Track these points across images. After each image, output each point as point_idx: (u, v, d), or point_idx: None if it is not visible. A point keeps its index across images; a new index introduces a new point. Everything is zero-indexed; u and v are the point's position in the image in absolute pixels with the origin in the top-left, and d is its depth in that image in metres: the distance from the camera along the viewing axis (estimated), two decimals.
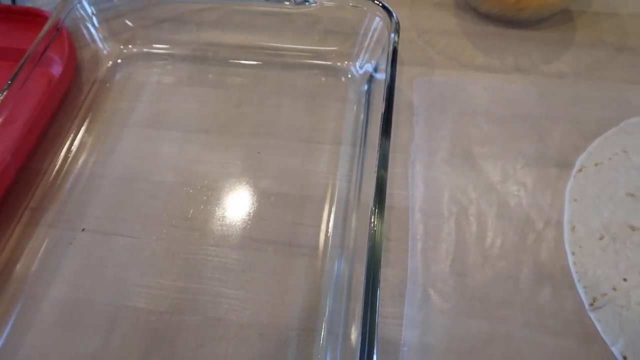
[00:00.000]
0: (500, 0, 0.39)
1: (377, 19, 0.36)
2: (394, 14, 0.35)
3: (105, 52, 0.39)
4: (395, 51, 0.33)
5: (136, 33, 0.40)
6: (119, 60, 0.40)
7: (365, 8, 0.36)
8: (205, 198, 0.32)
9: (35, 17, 0.41)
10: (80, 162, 0.34)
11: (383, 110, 0.29)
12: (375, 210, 0.26)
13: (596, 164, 0.33)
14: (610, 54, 0.40)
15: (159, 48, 0.40)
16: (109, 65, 0.39)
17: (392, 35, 0.34)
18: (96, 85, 0.38)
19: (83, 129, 0.36)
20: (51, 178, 0.33)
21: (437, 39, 0.41)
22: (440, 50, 0.40)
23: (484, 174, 0.33)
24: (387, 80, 0.31)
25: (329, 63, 0.39)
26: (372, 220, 0.25)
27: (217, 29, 0.41)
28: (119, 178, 0.33)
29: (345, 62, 0.38)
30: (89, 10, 0.38)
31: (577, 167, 0.33)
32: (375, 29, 0.36)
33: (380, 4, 0.35)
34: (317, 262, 0.30)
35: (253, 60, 0.40)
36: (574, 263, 0.29)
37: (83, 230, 0.31)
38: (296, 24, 0.40)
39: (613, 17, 0.42)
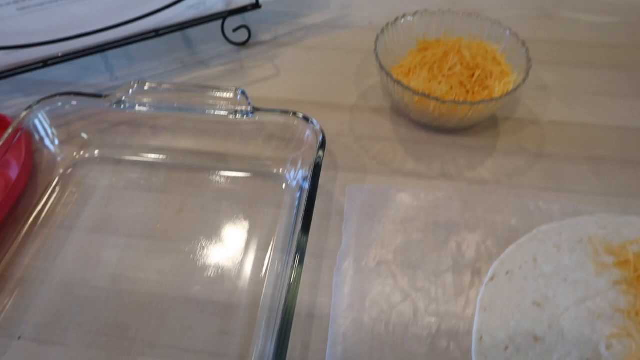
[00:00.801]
0: (425, 112, 0.43)
1: (308, 131, 0.39)
2: (321, 132, 0.38)
3: (59, 158, 0.42)
4: (318, 167, 0.36)
5: (92, 138, 0.43)
6: (73, 165, 0.42)
7: (296, 122, 0.39)
8: (138, 306, 0.34)
9: None
10: (24, 267, 0.36)
11: (300, 220, 0.32)
12: (284, 319, 0.28)
13: (507, 272, 0.36)
14: (529, 161, 0.43)
15: (113, 152, 0.43)
16: (62, 170, 0.42)
17: (318, 151, 0.37)
18: (49, 189, 0.41)
19: (32, 233, 0.38)
20: None
21: (372, 145, 0.45)
22: (374, 156, 0.44)
23: (404, 281, 0.36)
24: (308, 192, 0.34)
25: (268, 170, 0.42)
26: (280, 328, 0.27)
27: (169, 133, 0.45)
28: (59, 284, 0.35)
29: (282, 170, 0.41)
30: (44, 119, 0.41)
31: (489, 275, 0.36)
32: (307, 141, 0.39)
33: (311, 122, 0.39)
34: None
35: (199, 166, 0.43)
36: None
37: (19, 338, 0.33)
38: (243, 129, 0.43)
39: (534, 124, 0.46)
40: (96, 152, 0.43)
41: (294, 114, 0.39)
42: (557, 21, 0.58)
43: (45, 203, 0.40)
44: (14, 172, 0.40)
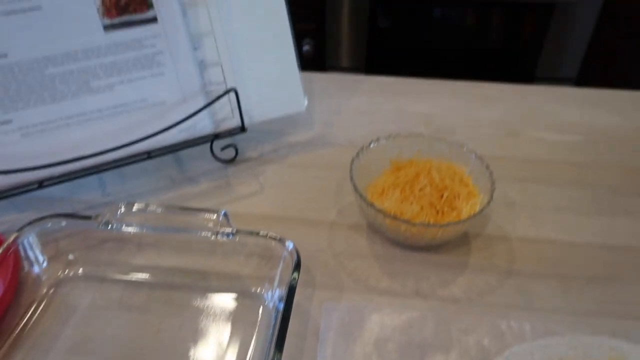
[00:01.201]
0: (397, 232, 0.45)
1: (285, 254, 0.41)
2: (296, 254, 0.40)
3: (44, 277, 0.44)
4: (292, 290, 0.37)
5: (78, 256, 0.45)
6: (57, 284, 0.44)
7: (273, 244, 0.41)
8: None
9: None
10: None
11: (273, 349, 0.33)
12: None
13: None
14: (500, 279, 0.45)
15: (97, 270, 0.45)
16: (46, 288, 0.43)
17: (292, 273, 0.38)
18: (32, 308, 0.42)
19: (10, 354, 0.38)
20: None
21: (349, 262, 0.46)
22: (351, 273, 0.45)
23: None
24: (282, 314, 0.35)
25: (247, 289, 0.43)
26: None
27: (154, 250, 0.46)
28: None
29: (260, 289, 0.43)
30: (34, 240, 0.43)
31: None
32: (284, 262, 0.41)
33: (287, 245, 0.41)
34: None
35: (180, 284, 0.44)
36: None
37: None
38: (225, 248, 0.45)
39: (504, 241, 0.48)
40: (80, 270, 0.45)
41: (271, 236, 0.41)
42: (523, 139, 0.62)
43: (27, 323, 0.41)
44: None
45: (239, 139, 0.59)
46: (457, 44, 1.39)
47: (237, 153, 0.58)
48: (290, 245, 0.41)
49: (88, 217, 0.43)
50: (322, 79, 0.74)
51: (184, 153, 0.59)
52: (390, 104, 0.68)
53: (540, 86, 0.74)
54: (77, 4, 0.48)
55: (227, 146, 0.57)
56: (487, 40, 1.38)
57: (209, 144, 0.56)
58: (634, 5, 1.27)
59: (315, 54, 1.44)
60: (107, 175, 0.56)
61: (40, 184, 0.49)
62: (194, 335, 0.40)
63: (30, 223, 0.43)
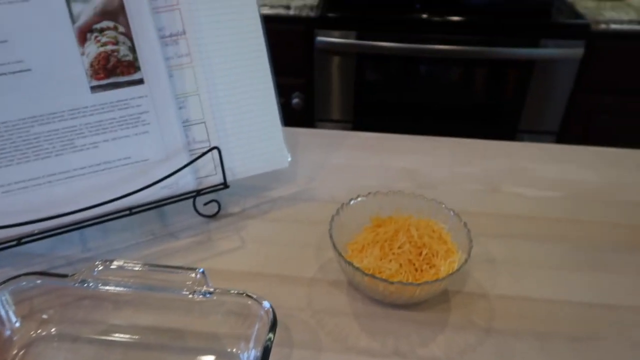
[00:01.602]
0: (376, 290, 0.45)
1: (262, 312, 0.41)
2: (272, 314, 0.39)
3: (16, 337, 0.43)
4: (267, 350, 0.37)
5: (52, 315, 0.44)
6: (29, 344, 0.43)
7: (249, 303, 0.41)
8: None
9: None
10: None
11: None
12: None
13: None
14: (480, 337, 0.44)
15: (71, 329, 0.44)
16: (17, 350, 0.42)
17: (268, 334, 0.38)
18: None
19: None
20: None
21: (328, 320, 0.46)
22: (330, 331, 0.45)
23: None
24: None
25: (224, 349, 0.42)
26: None
27: (131, 307, 0.46)
28: None
29: (236, 350, 0.42)
30: (8, 300, 0.42)
31: None
32: (260, 321, 0.41)
33: (263, 304, 0.40)
34: None
35: (156, 344, 0.43)
36: None
37: None
38: (202, 306, 0.45)
39: (483, 298, 0.48)
40: (54, 329, 0.44)
41: (247, 295, 0.41)
42: (504, 195, 0.63)
43: None
44: None
45: (222, 194, 0.60)
46: (442, 99, 1.43)
47: (219, 208, 0.58)
48: (266, 304, 0.40)
49: (64, 276, 0.43)
50: (308, 134, 0.76)
51: (167, 208, 0.59)
52: (374, 160, 0.70)
53: (521, 143, 0.76)
54: (66, 67, 0.50)
55: (210, 201, 0.58)
56: (471, 96, 1.43)
57: (191, 200, 0.57)
58: (611, 63, 1.33)
59: (304, 107, 1.47)
60: (88, 231, 0.56)
61: (19, 240, 0.48)
62: None
63: (3, 282, 0.42)
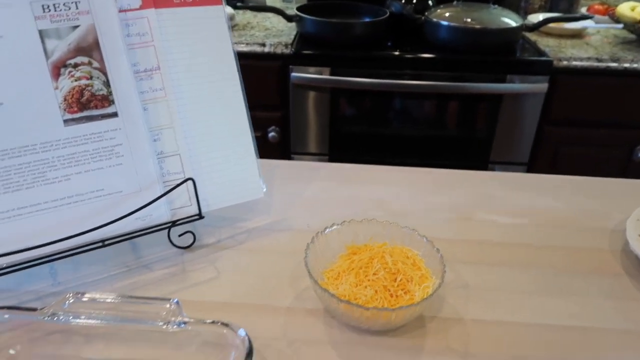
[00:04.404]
0: (351, 317, 0.45)
1: (237, 341, 0.40)
2: (247, 343, 0.39)
3: None
4: None
5: (20, 351, 0.43)
6: None
7: (225, 331, 0.41)
8: None
9: None
10: None
11: None
12: None
13: None
14: None
15: None
16: None
17: None
18: None
19: None
20: None
21: (305, 349, 0.46)
22: None
23: None
24: None
25: None
26: None
27: (103, 341, 0.45)
28: None
29: None
30: None
31: None
32: (239, 349, 0.40)
33: (239, 333, 0.40)
34: None
35: None
36: None
37: None
38: (177, 337, 0.44)
39: (459, 323, 0.49)
40: None
41: (223, 324, 0.41)
42: (475, 223, 0.65)
43: None
44: None
45: (196, 224, 0.59)
46: (415, 132, 1.47)
47: (194, 239, 0.58)
48: (241, 332, 0.40)
49: (33, 309, 0.42)
50: (284, 166, 0.77)
51: (140, 240, 0.59)
52: (348, 190, 0.71)
53: (490, 172, 0.78)
54: (39, 101, 0.50)
55: (185, 232, 0.58)
56: (443, 128, 1.47)
57: (166, 231, 0.57)
58: (573, 96, 1.39)
59: (280, 140, 1.49)
60: (58, 264, 0.55)
61: None
62: None
63: None
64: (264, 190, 0.61)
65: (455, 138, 1.48)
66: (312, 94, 1.43)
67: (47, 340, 0.44)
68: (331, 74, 1.40)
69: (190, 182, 0.55)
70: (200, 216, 0.56)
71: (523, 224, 0.65)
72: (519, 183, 0.74)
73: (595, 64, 1.34)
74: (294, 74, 1.40)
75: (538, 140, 1.45)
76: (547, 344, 0.47)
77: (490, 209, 0.67)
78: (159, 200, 0.54)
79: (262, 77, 1.41)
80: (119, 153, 0.53)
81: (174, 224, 0.55)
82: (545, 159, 1.46)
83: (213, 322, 0.41)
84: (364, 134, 1.49)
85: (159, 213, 0.55)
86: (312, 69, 1.40)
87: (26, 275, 0.53)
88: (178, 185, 0.54)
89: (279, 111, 1.47)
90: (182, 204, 0.56)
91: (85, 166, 0.52)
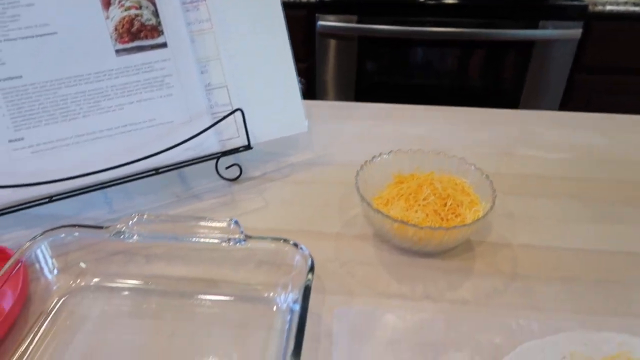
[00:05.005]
0: (404, 237, 0.46)
1: (297, 257, 0.42)
2: (309, 257, 0.41)
3: (55, 286, 0.44)
4: (308, 289, 0.38)
5: (87, 268, 0.45)
6: (68, 294, 0.44)
7: (286, 249, 0.42)
8: None
9: None
10: None
11: (292, 341, 0.33)
12: None
13: None
14: (505, 282, 0.46)
15: (107, 281, 0.45)
16: (57, 299, 0.43)
17: (307, 274, 0.39)
18: (42, 317, 0.41)
19: None
20: None
21: (357, 269, 0.47)
22: (360, 280, 0.46)
23: None
24: (299, 315, 0.35)
25: (259, 294, 0.43)
26: None
27: (162, 261, 0.47)
28: None
29: (272, 294, 0.43)
30: (46, 250, 0.43)
31: None
32: (296, 266, 0.42)
33: (299, 247, 0.41)
34: None
35: (191, 292, 0.44)
36: None
37: None
38: (234, 257, 0.46)
39: (506, 248, 0.50)
40: (90, 280, 0.45)
41: (284, 240, 0.42)
42: (516, 158, 0.65)
43: (37, 331, 0.40)
44: (7, 303, 0.41)
45: (242, 159, 0.60)
46: (442, 81, 1.45)
47: (241, 171, 0.59)
48: (304, 248, 0.41)
49: (100, 227, 0.44)
50: (320, 106, 0.77)
51: (188, 172, 0.60)
52: (387, 128, 0.71)
53: (529, 110, 0.77)
54: (91, 31, 0.50)
55: (232, 165, 0.59)
56: (471, 77, 1.45)
57: (214, 164, 0.58)
58: (608, 43, 1.35)
59: (306, 92, 1.48)
60: (113, 193, 0.57)
61: (51, 198, 0.49)
62: (208, 340, 0.40)
63: (42, 233, 0.43)
64: (307, 125, 0.61)
65: (482, 87, 1.46)
66: (338, 43, 1.42)
67: (110, 260, 0.46)
68: (358, 22, 1.38)
69: (238, 112, 0.56)
70: (249, 146, 0.57)
71: (564, 158, 0.64)
72: (558, 120, 0.73)
73: (632, 8, 1.30)
74: (320, 23, 1.38)
75: (569, 89, 1.42)
76: (594, 268, 0.48)
77: (531, 145, 0.67)
78: (208, 131, 0.55)
79: (287, 27, 1.39)
80: (169, 84, 0.54)
81: (223, 154, 0.56)
82: (576, 108, 1.44)
83: (275, 239, 0.43)
84: (390, 84, 1.47)
85: (209, 143, 0.56)
86: (338, 17, 1.37)
87: (84, 203, 0.55)
88: (228, 115, 0.55)
89: (305, 62, 1.46)
90: (230, 135, 0.57)
91: (137, 96, 0.53)
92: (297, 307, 0.39)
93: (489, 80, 1.45)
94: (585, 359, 0.38)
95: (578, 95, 1.42)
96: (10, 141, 0.49)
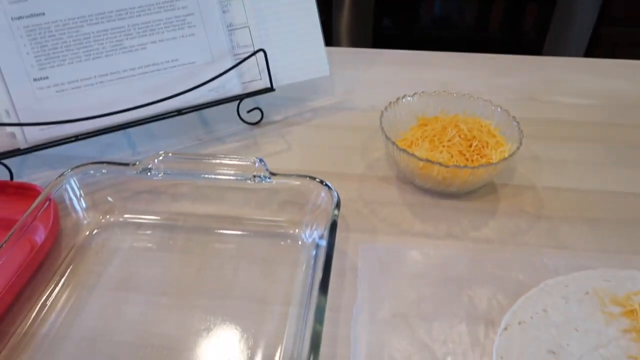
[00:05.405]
0: (429, 177, 0.46)
1: (323, 194, 0.42)
2: (335, 193, 0.41)
3: (85, 221, 0.44)
4: (334, 224, 0.38)
5: (115, 204, 0.46)
6: (97, 229, 0.45)
7: (311, 186, 0.42)
8: (160, 358, 0.34)
9: (28, 191, 0.47)
10: (47, 324, 0.37)
11: (321, 276, 0.34)
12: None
13: (519, 323, 0.37)
14: (530, 222, 0.46)
15: (135, 217, 0.46)
16: (87, 233, 0.44)
17: (333, 210, 0.39)
18: (74, 251, 0.43)
19: (55, 292, 0.39)
20: (17, 340, 0.36)
21: (381, 209, 0.47)
22: (383, 219, 0.46)
23: (419, 333, 0.36)
24: (326, 248, 0.36)
25: (284, 231, 0.44)
26: None
27: (188, 200, 0.47)
28: (81, 339, 0.36)
29: (297, 230, 0.44)
30: (75, 186, 0.44)
31: (502, 325, 0.37)
32: (321, 203, 0.42)
33: (325, 184, 0.42)
34: None
35: (218, 228, 0.45)
36: None
37: None
38: (258, 196, 0.46)
39: (531, 190, 0.49)
40: (120, 217, 0.46)
41: (310, 177, 0.42)
42: (541, 103, 0.64)
43: (69, 263, 0.41)
44: (40, 237, 0.42)
45: (263, 104, 0.60)
46: (462, 32, 1.41)
47: (262, 115, 0.59)
48: (330, 185, 0.42)
49: (127, 164, 0.44)
50: (340, 52, 0.76)
51: (210, 116, 0.60)
52: (410, 74, 0.70)
53: (553, 57, 0.75)
54: None
55: (253, 109, 0.59)
56: (492, 28, 1.40)
57: (235, 108, 0.58)
58: None
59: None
60: (136, 136, 0.57)
61: (77, 137, 0.49)
62: (234, 273, 0.41)
63: (72, 169, 0.44)
64: (329, 69, 0.60)
65: (502, 41, 1.42)
66: None
67: (138, 198, 0.47)
68: None
69: (261, 54, 0.55)
70: (271, 88, 0.56)
71: (590, 104, 0.63)
72: (583, 67, 0.72)
73: None
74: None
75: (593, 42, 1.38)
76: (618, 209, 0.47)
77: (555, 91, 0.66)
78: (230, 73, 0.54)
79: None
80: (190, 23, 0.53)
81: (246, 96, 0.56)
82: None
83: (300, 176, 0.43)
84: (408, 37, 1.44)
85: (231, 85, 0.55)
86: None
87: (108, 146, 0.55)
88: (250, 55, 0.54)
89: (321, 15, 1.42)
90: (252, 77, 0.57)
91: (159, 35, 0.52)
92: (323, 243, 0.39)
93: (509, 32, 1.40)
94: (608, 295, 0.38)
95: (602, 49, 1.38)
96: (35, 80, 0.49)
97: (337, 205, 0.40)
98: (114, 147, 0.56)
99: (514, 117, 0.50)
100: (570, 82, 0.68)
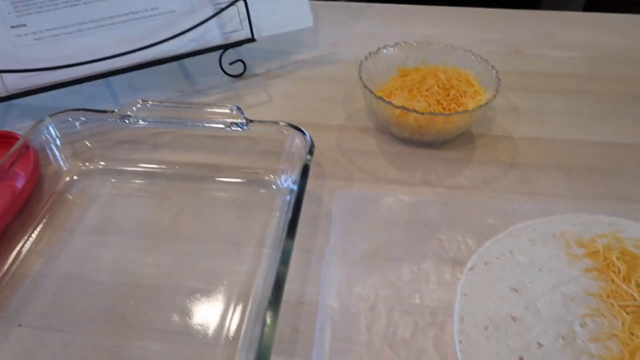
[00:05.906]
0: (405, 125, 0.46)
1: (297, 140, 0.42)
2: (309, 137, 0.41)
3: (65, 168, 0.45)
4: (306, 168, 0.39)
5: (96, 152, 0.47)
6: (77, 176, 0.45)
7: (286, 132, 0.43)
8: (135, 296, 0.36)
9: (10, 140, 0.47)
10: (28, 265, 0.38)
11: (289, 217, 0.35)
12: (272, 302, 0.30)
13: (486, 263, 0.38)
14: (504, 170, 0.46)
15: (115, 164, 0.46)
16: (67, 179, 0.45)
17: (307, 155, 0.40)
18: (54, 196, 0.43)
19: (35, 235, 0.40)
20: None
21: (358, 158, 0.48)
22: (360, 167, 0.47)
23: (389, 273, 0.38)
24: (297, 191, 0.37)
25: (261, 178, 0.45)
26: (266, 312, 0.29)
27: (169, 149, 0.48)
28: (60, 278, 0.37)
29: (273, 177, 0.44)
30: (54, 133, 0.44)
31: (469, 266, 0.38)
32: (296, 150, 0.43)
33: (299, 129, 0.42)
34: (231, 352, 0.33)
35: (196, 175, 0.45)
36: (461, 350, 0.32)
37: (20, 325, 0.34)
38: (237, 146, 0.47)
39: (507, 140, 0.50)
40: (100, 164, 0.46)
41: (285, 124, 0.43)
42: (525, 56, 0.63)
43: (50, 208, 0.42)
44: (20, 182, 0.43)
45: (246, 56, 0.60)
46: None
47: (245, 68, 0.59)
48: (303, 130, 0.42)
49: (105, 112, 0.45)
50: (327, 6, 0.75)
51: (193, 69, 0.60)
52: (395, 28, 0.69)
53: (545, 11, 0.74)
54: None
55: (236, 61, 0.58)
56: None
57: (217, 61, 0.57)
58: None
59: None
60: (118, 88, 0.57)
61: (56, 85, 0.50)
62: (212, 218, 0.42)
63: (50, 116, 0.44)
64: (312, 20, 0.60)
65: None
66: None
67: (118, 147, 0.47)
68: None
69: (242, 2, 0.54)
70: (252, 39, 0.56)
71: (575, 56, 0.63)
72: (575, 20, 0.71)
73: None
74: None
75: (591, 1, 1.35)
76: (593, 157, 0.48)
77: (544, 44, 0.65)
78: (211, 22, 0.54)
79: None
80: None
81: (227, 47, 0.56)
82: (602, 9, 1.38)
83: (275, 122, 0.43)
84: None
85: (212, 35, 0.55)
86: None
87: (90, 97, 0.56)
88: (231, 4, 0.54)
89: None
90: (233, 28, 0.56)
91: None
92: (296, 187, 0.40)
93: None
94: (574, 237, 0.39)
95: (602, 2, 1.35)
96: (12, 27, 0.48)
97: (310, 151, 0.41)
98: (97, 98, 0.56)
99: (492, 66, 0.50)
100: (561, 35, 0.68)
